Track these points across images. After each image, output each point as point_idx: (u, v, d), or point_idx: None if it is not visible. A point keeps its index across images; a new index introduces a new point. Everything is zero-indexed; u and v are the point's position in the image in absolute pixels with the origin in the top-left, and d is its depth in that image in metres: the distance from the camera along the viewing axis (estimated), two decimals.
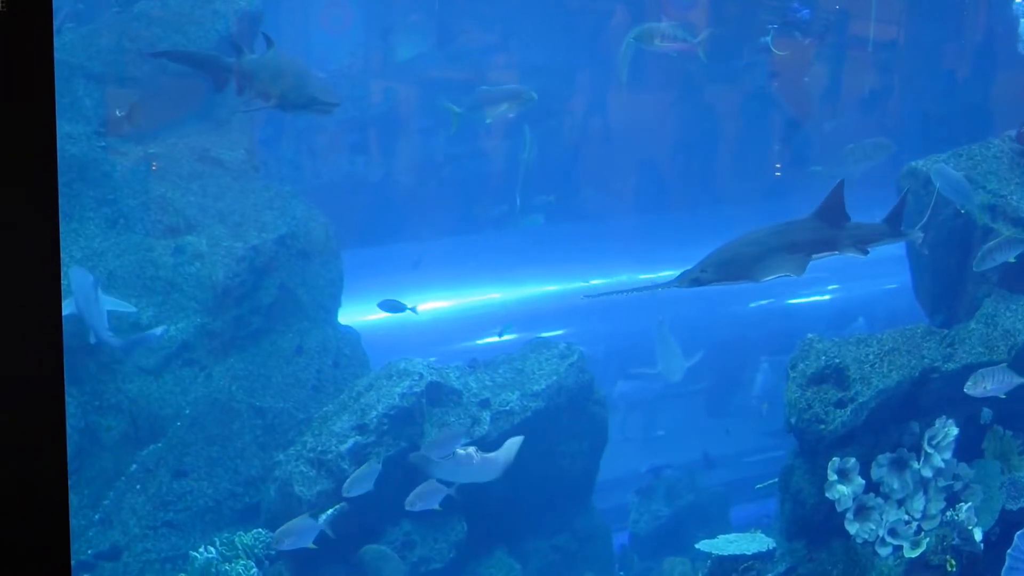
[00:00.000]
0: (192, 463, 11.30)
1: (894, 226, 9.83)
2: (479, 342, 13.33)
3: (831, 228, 9.38)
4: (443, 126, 17.48)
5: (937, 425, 11.16)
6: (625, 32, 18.49)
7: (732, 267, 9.08)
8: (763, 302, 17.46)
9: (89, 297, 10.45)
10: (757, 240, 9.25)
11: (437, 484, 10.62)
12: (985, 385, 10.79)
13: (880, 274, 15.68)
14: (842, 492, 11.01)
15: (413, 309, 13.97)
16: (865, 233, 9.59)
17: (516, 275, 16.18)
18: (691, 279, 9.01)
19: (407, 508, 10.60)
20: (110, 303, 10.94)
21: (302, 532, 10.41)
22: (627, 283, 10.53)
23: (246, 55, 9.49)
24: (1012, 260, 11.16)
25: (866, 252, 9.61)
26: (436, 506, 10.66)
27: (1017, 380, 10.82)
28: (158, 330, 11.23)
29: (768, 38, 16.03)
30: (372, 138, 17.25)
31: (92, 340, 10.71)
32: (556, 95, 18.27)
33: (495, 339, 13.65)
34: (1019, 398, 11.46)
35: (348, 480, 10.54)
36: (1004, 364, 10.99)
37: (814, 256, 9.29)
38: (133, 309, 11.24)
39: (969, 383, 10.84)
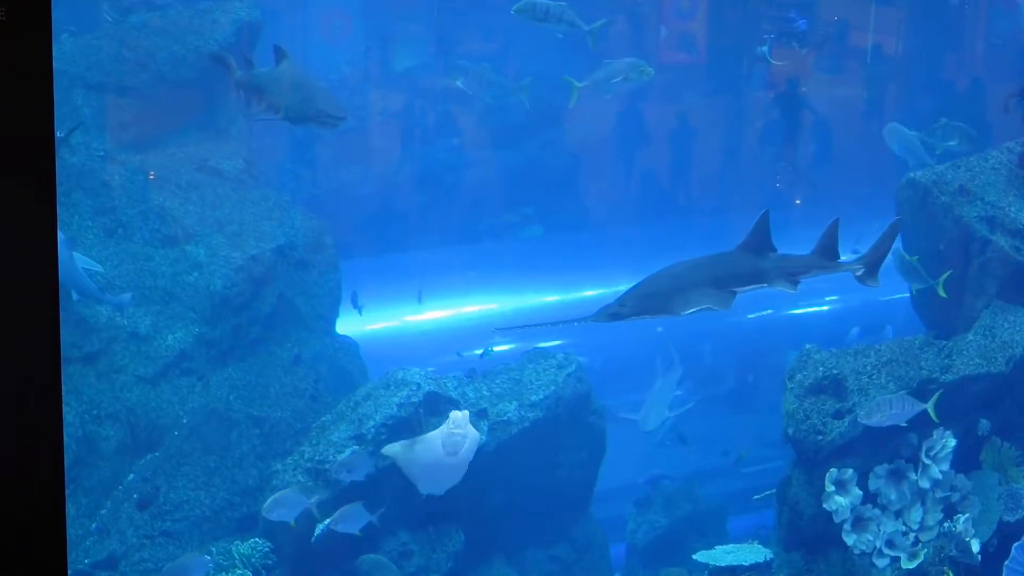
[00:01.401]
0: (190, 472, 11.30)
1: (827, 257, 9.47)
2: (477, 351, 13.31)
3: (758, 260, 9.14)
4: (443, 135, 17.50)
5: (935, 436, 11.16)
6: (626, 43, 18.56)
7: (651, 301, 8.94)
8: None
9: (64, 255, 10.44)
10: (680, 273, 9.07)
11: (360, 508, 10.55)
12: (883, 414, 10.75)
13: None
14: (840, 503, 11.01)
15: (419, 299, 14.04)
16: (794, 265, 9.33)
17: (514, 285, 16.18)
18: (609, 313, 8.89)
19: (331, 527, 10.56)
20: (81, 261, 10.98)
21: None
22: (549, 316, 10.36)
23: (256, 69, 9.53)
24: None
25: (796, 285, 9.36)
26: (356, 532, 10.58)
27: (918, 407, 10.79)
28: (126, 296, 11.26)
29: (765, 48, 16.05)
30: (371, 148, 17.27)
31: (74, 297, 10.75)
32: (554, 105, 18.28)
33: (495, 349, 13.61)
34: (1017, 409, 11.48)
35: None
36: (904, 392, 10.94)
37: (740, 290, 9.11)
38: (101, 268, 11.27)
39: (863, 412, 10.80)
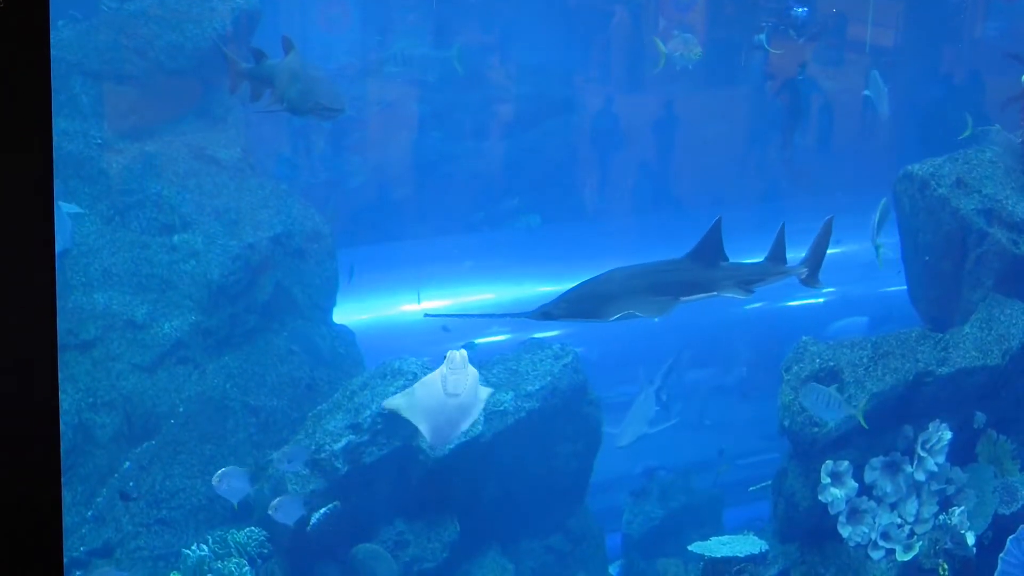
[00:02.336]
0: (186, 460, 11.30)
1: (778, 263, 9.45)
2: (478, 341, 13.31)
3: (706, 269, 9.08)
4: (439, 125, 17.49)
5: (931, 429, 11.17)
6: (627, 31, 18.57)
7: (583, 304, 8.93)
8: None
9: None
10: (619, 279, 9.04)
11: (297, 500, 10.53)
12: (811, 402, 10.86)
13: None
14: (835, 495, 11.02)
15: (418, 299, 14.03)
16: (746, 273, 9.28)
17: (511, 275, 16.18)
18: (542, 312, 8.91)
19: (269, 513, 10.53)
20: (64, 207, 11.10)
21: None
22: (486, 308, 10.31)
23: (267, 60, 9.55)
24: None
25: (750, 293, 9.33)
26: (290, 523, 10.56)
27: (845, 411, 10.81)
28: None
29: (763, 35, 16.05)
30: (369, 137, 17.26)
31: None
32: (554, 96, 18.29)
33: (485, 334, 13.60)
34: (1013, 403, 11.49)
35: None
36: (837, 392, 10.97)
37: (684, 299, 9.06)
38: (84, 211, 11.32)
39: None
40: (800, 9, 16.97)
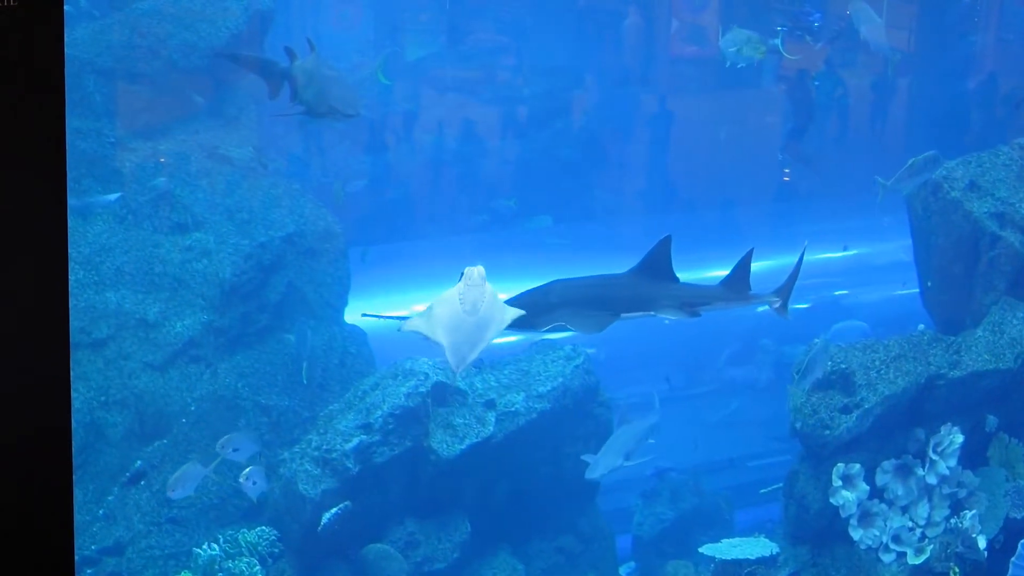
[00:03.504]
0: (197, 459, 11.31)
1: (738, 289, 9.25)
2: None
3: (651, 286, 8.96)
4: (452, 125, 17.50)
5: (942, 432, 11.16)
6: (638, 33, 18.55)
7: (521, 315, 8.89)
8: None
9: None
10: (559, 291, 9.00)
11: (198, 468, 10.45)
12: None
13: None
14: (846, 498, 11.01)
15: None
16: (694, 295, 9.13)
17: (522, 275, 16.17)
18: None
19: (168, 495, 10.39)
20: None
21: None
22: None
23: (297, 60, 9.54)
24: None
25: (695, 315, 9.14)
26: (191, 492, 10.44)
27: None
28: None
29: (778, 40, 16.03)
30: (381, 136, 17.26)
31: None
32: (567, 96, 18.28)
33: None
34: None
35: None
36: None
37: (625, 315, 8.97)
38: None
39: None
40: (815, 15, 16.96)
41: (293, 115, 9.59)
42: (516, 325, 8.96)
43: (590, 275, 9.17)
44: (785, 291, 9.55)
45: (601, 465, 11.33)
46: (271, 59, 9.98)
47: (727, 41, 12.45)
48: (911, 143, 18.64)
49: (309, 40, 9.58)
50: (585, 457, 11.49)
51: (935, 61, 19.30)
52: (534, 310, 8.97)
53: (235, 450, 10.46)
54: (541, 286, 9.08)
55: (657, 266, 8.96)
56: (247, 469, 10.53)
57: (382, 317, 9.87)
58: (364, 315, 11.17)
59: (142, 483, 11.08)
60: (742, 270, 9.23)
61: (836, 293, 17.68)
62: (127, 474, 11.03)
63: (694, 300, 9.09)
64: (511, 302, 8.98)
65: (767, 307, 9.76)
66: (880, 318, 15.64)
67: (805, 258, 9.90)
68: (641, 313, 9.13)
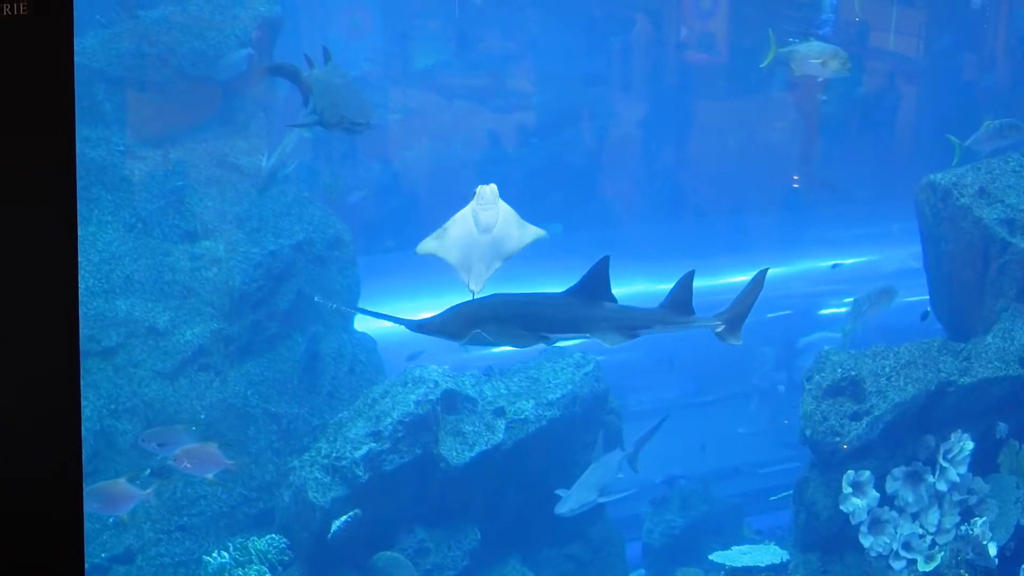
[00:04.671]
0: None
1: (679, 311, 8.96)
2: (495, 350, 13.30)
3: (587, 307, 8.75)
4: (461, 132, 17.51)
5: (952, 439, 11.15)
6: (646, 40, 18.55)
7: (452, 324, 8.84)
8: None
9: None
10: (493, 305, 8.89)
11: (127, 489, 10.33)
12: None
13: None
14: (856, 505, 11.00)
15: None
16: (632, 318, 8.88)
17: (532, 282, 16.16)
18: (418, 324, 8.93)
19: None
20: None
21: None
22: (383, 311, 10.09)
23: (314, 69, 9.52)
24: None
25: (632, 338, 8.88)
26: (124, 517, 10.30)
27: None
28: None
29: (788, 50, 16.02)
30: (389, 145, 17.27)
31: None
32: (575, 104, 18.28)
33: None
34: None
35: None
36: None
37: (554, 336, 8.88)
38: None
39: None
40: (826, 27, 16.95)
41: (306, 125, 9.59)
42: (447, 335, 8.89)
43: (531, 292, 9.05)
44: (730, 315, 9.19)
45: (572, 500, 11.19)
46: (297, 67, 9.97)
47: (808, 52, 12.06)
48: (920, 150, 18.63)
49: (325, 48, 9.57)
50: (559, 492, 11.34)
51: (944, 67, 19.29)
52: (466, 322, 8.87)
53: (160, 445, 10.32)
54: (481, 299, 9.01)
55: (595, 287, 8.75)
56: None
57: (337, 307, 9.84)
58: (316, 299, 11.23)
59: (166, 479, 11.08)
60: (682, 292, 8.95)
61: (845, 299, 17.66)
62: (148, 471, 10.99)
63: (632, 323, 8.87)
64: (446, 311, 8.95)
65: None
66: (887, 326, 15.63)
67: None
68: (574, 335, 9.04)
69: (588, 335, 8.92)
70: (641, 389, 15.24)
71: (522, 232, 9.47)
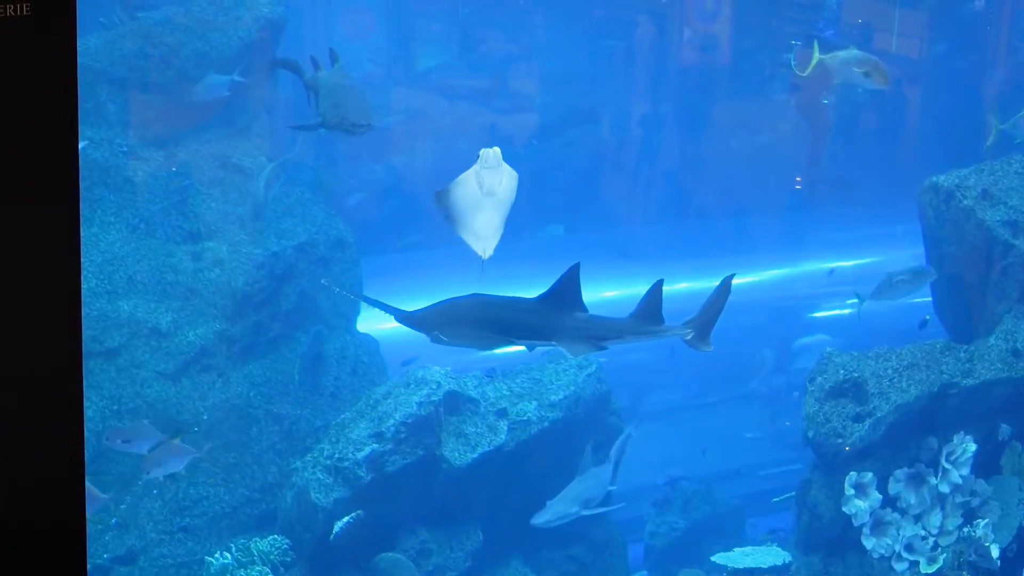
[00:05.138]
0: (209, 468, 11.31)
1: (648, 321, 8.93)
2: (497, 352, 13.30)
3: (557, 315, 8.72)
4: (463, 133, 17.50)
5: (955, 441, 11.14)
6: (648, 42, 18.55)
7: (429, 320, 8.93)
8: None
9: None
10: (470, 305, 8.93)
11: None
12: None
13: None
14: (859, 506, 11.00)
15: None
16: (600, 328, 8.84)
17: (533, 284, 16.17)
18: (402, 316, 9.01)
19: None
20: None
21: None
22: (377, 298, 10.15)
23: (320, 71, 9.50)
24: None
25: (601, 348, 8.93)
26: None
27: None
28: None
29: (792, 54, 16.03)
30: (392, 146, 17.27)
31: None
32: (578, 106, 18.27)
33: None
34: None
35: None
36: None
37: (521, 342, 8.88)
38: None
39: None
40: (828, 31, 16.95)
41: (309, 127, 9.59)
42: (423, 329, 8.93)
43: (505, 296, 9.02)
44: (699, 322, 9.16)
45: (550, 512, 11.08)
46: (299, 63, 9.96)
47: (850, 59, 11.94)
48: (923, 151, 18.62)
49: (332, 50, 9.57)
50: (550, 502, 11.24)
51: (947, 69, 19.28)
52: (440, 319, 8.95)
53: (125, 442, 10.29)
54: (462, 297, 9.04)
55: (565, 295, 8.73)
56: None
57: (376, 304, 9.84)
58: (363, 298, 11.23)
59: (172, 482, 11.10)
60: (652, 302, 8.92)
61: (848, 300, 17.65)
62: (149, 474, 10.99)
63: (600, 333, 8.84)
64: (431, 306, 9.01)
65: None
66: (892, 328, 15.62)
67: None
68: (542, 342, 9.00)
69: (554, 343, 8.90)
70: (645, 390, 15.23)
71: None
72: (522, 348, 9.54)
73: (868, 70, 11.55)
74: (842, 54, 11.84)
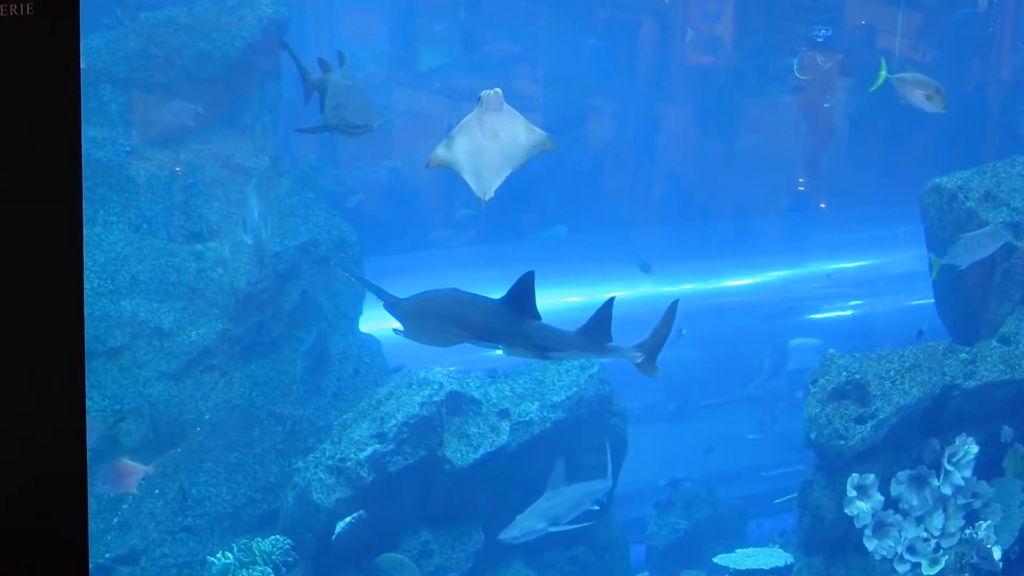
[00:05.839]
0: (211, 468, 11.32)
1: (596, 338, 8.87)
2: (499, 352, 13.29)
3: (512, 320, 8.71)
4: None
5: (957, 443, 11.14)
6: (651, 43, 18.54)
7: (401, 308, 9.05)
8: None
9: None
10: (441, 299, 8.99)
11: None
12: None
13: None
14: (861, 508, 10.99)
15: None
16: (547, 338, 8.80)
17: (538, 285, 16.17)
18: (389, 303, 9.09)
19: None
20: None
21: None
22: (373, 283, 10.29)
23: (330, 73, 9.49)
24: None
25: (546, 358, 9.00)
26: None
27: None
28: None
29: (796, 59, 16.08)
30: (395, 146, 17.27)
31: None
32: (580, 106, 18.27)
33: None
34: None
35: None
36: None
37: (475, 342, 8.85)
38: None
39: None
40: (827, 31, 16.96)
41: (314, 129, 9.59)
42: (397, 317, 9.02)
43: (475, 295, 9.00)
44: (649, 346, 9.13)
45: (517, 529, 10.96)
46: (306, 68, 9.93)
47: (915, 82, 12.04)
48: (926, 154, 18.61)
49: (340, 53, 9.55)
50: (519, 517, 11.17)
51: (950, 71, 19.27)
52: (411, 309, 9.05)
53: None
54: (439, 290, 9.10)
55: (520, 301, 8.70)
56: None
57: (371, 288, 9.88)
58: (345, 272, 11.27)
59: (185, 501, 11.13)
60: (602, 319, 8.86)
61: (851, 302, 17.65)
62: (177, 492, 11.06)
63: (547, 343, 8.82)
64: (412, 296, 9.07)
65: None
66: (895, 330, 15.63)
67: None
68: (491, 344, 8.96)
69: (501, 347, 8.89)
70: (650, 391, 15.22)
71: (530, 137, 9.16)
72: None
73: (930, 93, 11.70)
74: (908, 76, 11.97)
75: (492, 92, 8.77)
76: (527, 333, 8.75)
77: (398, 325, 9.14)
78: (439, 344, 9.05)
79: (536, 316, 8.74)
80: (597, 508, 11.42)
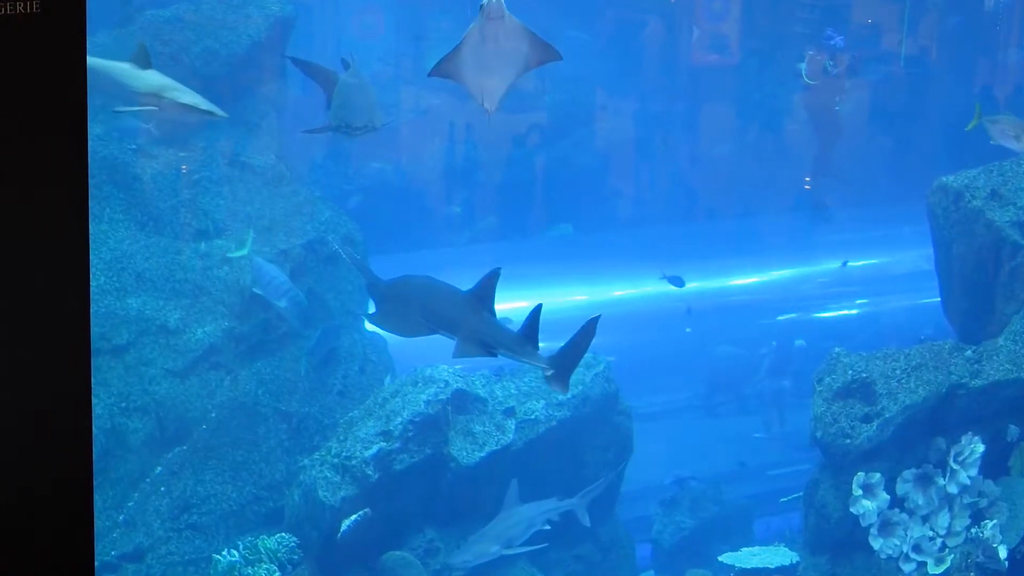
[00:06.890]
0: (217, 466, 11.32)
1: (526, 343, 8.82)
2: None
3: (468, 313, 8.74)
4: (473, 133, 17.51)
5: (963, 442, 11.12)
6: (657, 42, 18.55)
7: (378, 291, 9.29)
8: None
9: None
10: (413, 286, 9.11)
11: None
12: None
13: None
14: (867, 507, 10.99)
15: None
16: (493, 336, 8.82)
17: (544, 283, 16.18)
18: (370, 284, 9.39)
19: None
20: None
21: None
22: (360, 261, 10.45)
23: (341, 76, 9.50)
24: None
25: (491, 355, 8.88)
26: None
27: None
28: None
29: (803, 64, 16.09)
30: (401, 145, 17.28)
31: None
32: (586, 105, 18.28)
33: None
34: None
35: None
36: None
37: (438, 330, 8.89)
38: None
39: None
40: (836, 37, 16.97)
41: (319, 130, 9.60)
42: (373, 297, 9.31)
43: (447, 285, 9.08)
44: (560, 361, 9.05)
45: (468, 552, 10.85)
46: (328, 71, 9.89)
47: (1008, 125, 12.23)
48: (933, 154, 18.61)
49: (344, 60, 9.55)
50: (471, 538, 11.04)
51: (957, 70, 19.27)
52: (385, 293, 9.23)
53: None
54: (415, 277, 9.22)
55: (482, 297, 8.76)
56: None
57: (360, 267, 9.97)
58: (337, 248, 11.31)
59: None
60: (531, 324, 8.82)
61: (858, 300, 17.64)
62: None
63: (491, 341, 8.81)
64: (391, 279, 9.20)
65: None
66: (897, 330, 15.62)
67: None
68: (448, 334, 8.92)
69: (453, 338, 8.89)
70: (652, 391, 15.22)
71: (533, 47, 8.86)
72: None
73: (1018, 133, 11.90)
74: (1000, 118, 12.20)
75: (494, 0, 8.50)
76: (480, 328, 8.79)
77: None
78: (402, 334, 9.08)
79: (492, 313, 8.82)
80: (548, 528, 11.26)
